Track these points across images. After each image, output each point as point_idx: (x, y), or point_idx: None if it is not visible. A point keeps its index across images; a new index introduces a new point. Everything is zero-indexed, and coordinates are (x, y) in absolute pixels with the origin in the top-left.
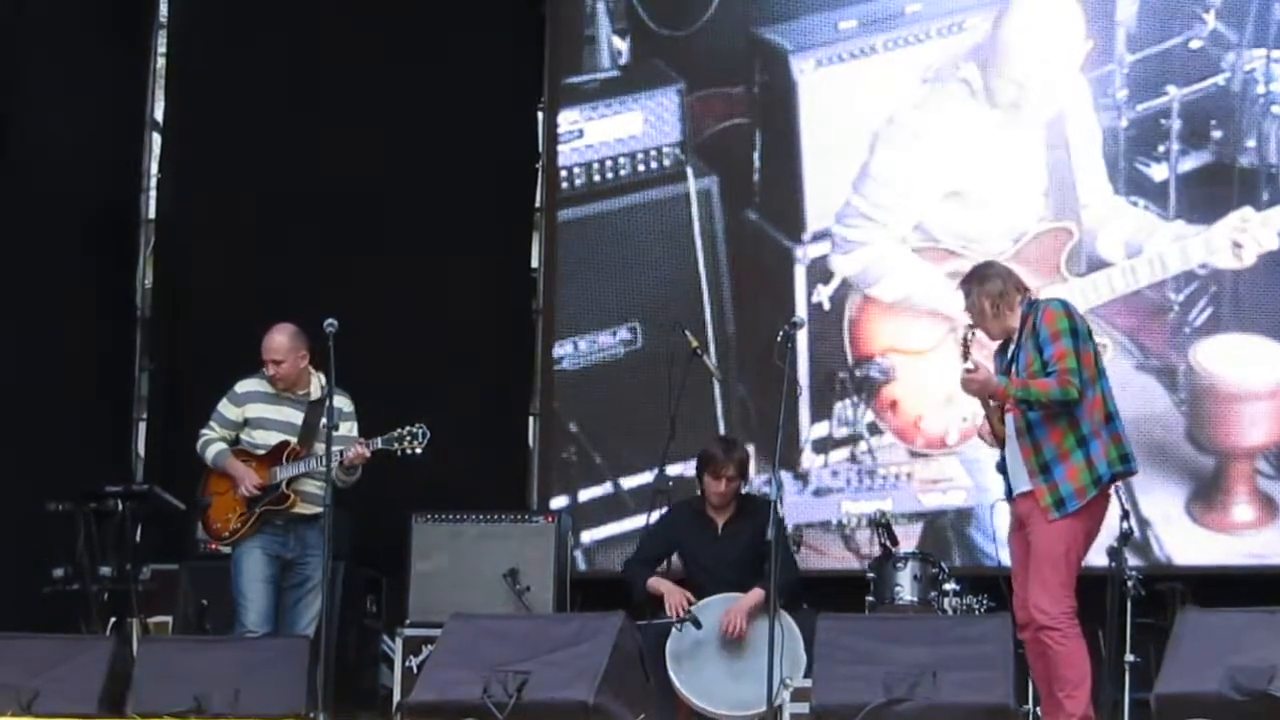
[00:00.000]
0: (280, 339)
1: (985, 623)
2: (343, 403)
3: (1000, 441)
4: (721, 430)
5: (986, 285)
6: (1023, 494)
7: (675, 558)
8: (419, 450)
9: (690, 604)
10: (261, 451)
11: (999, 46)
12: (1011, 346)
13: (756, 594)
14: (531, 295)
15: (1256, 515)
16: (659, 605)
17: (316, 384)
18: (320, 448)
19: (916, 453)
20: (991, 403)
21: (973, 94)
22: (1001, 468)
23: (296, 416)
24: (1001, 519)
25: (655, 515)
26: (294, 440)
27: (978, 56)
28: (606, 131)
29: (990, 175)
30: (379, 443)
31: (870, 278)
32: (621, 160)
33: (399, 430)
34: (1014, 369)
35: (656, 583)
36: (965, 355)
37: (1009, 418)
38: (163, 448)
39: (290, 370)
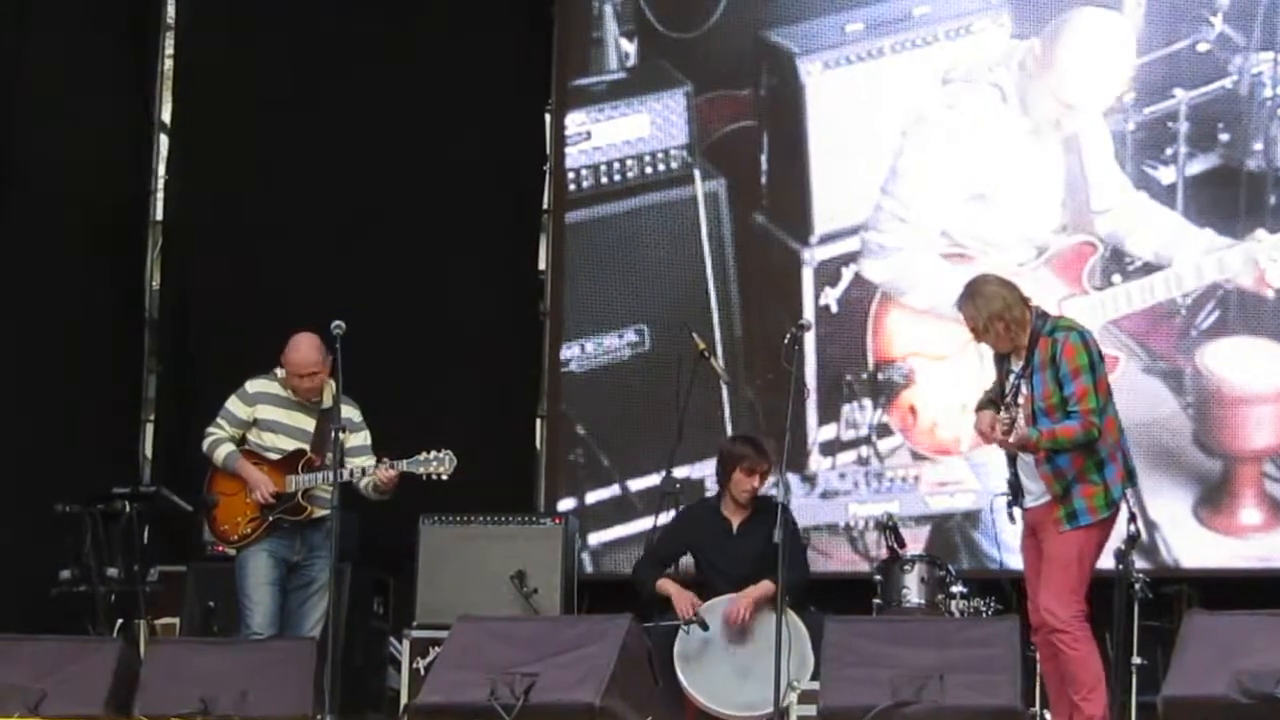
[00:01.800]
0: (310, 353)
1: (992, 625)
2: (352, 413)
3: (1011, 456)
4: (729, 433)
5: (992, 305)
6: (1036, 506)
7: (687, 559)
8: (445, 476)
9: (696, 607)
10: (274, 456)
11: (1054, 64)
12: (1018, 362)
13: (765, 586)
14: (539, 297)
15: (1264, 518)
16: (667, 606)
17: (328, 391)
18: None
19: (924, 455)
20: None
21: (1004, 100)
22: (1012, 482)
23: (308, 423)
24: (1001, 517)
25: (663, 517)
26: (309, 449)
27: (1013, 64)
28: (614, 134)
29: (1013, 181)
30: (403, 465)
31: (903, 285)
32: (629, 162)
33: (425, 454)
34: (1026, 390)
35: (665, 584)
36: (1008, 432)
37: None
38: (170, 449)
39: (318, 384)
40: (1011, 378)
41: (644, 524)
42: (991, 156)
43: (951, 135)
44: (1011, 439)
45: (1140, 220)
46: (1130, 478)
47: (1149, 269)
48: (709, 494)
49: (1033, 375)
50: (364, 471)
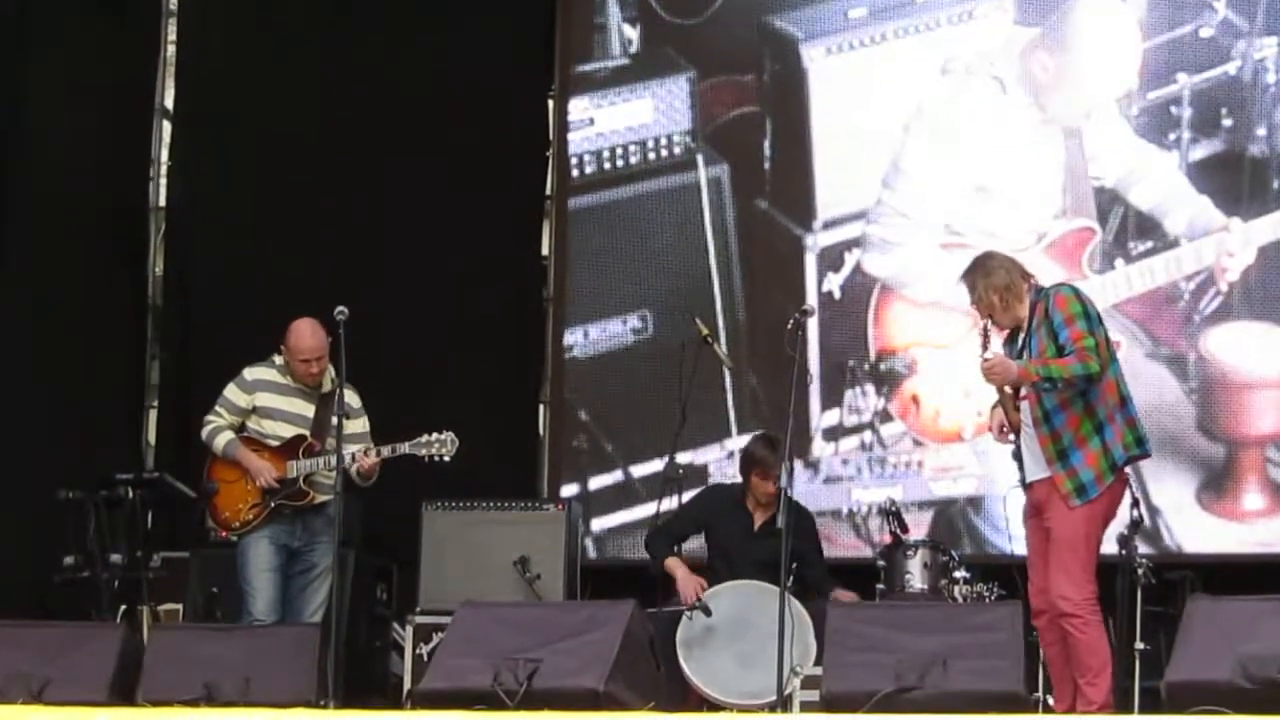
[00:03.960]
0: (313, 338)
1: (995, 610)
2: (352, 398)
3: (1015, 430)
4: (732, 419)
5: (993, 278)
6: (1039, 480)
7: (700, 542)
8: (447, 457)
9: (703, 590)
10: (274, 443)
11: (1060, 59)
12: (1021, 335)
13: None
14: (542, 283)
15: (1267, 503)
16: (670, 586)
17: (328, 377)
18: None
19: (926, 442)
20: (1007, 390)
21: (1004, 91)
22: (1017, 456)
23: (307, 409)
24: (1013, 509)
25: (667, 503)
26: (309, 435)
27: (1015, 53)
28: (617, 119)
29: (1014, 171)
30: (405, 447)
31: (905, 278)
32: (632, 148)
33: (427, 436)
34: (1026, 356)
35: (673, 564)
36: (985, 346)
37: (1024, 406)
38: (174, 436)
39: (321, 369)
40: (1016, 347)
41: (647, 510)
42: (993, 148)
43: (952, 129)
44: (997, 362)
45: (1144, 170)
46: (1140, 444)
47: (1151, 251)
48: (712, 480)
49: (1029, 340)
50: (352, 458)
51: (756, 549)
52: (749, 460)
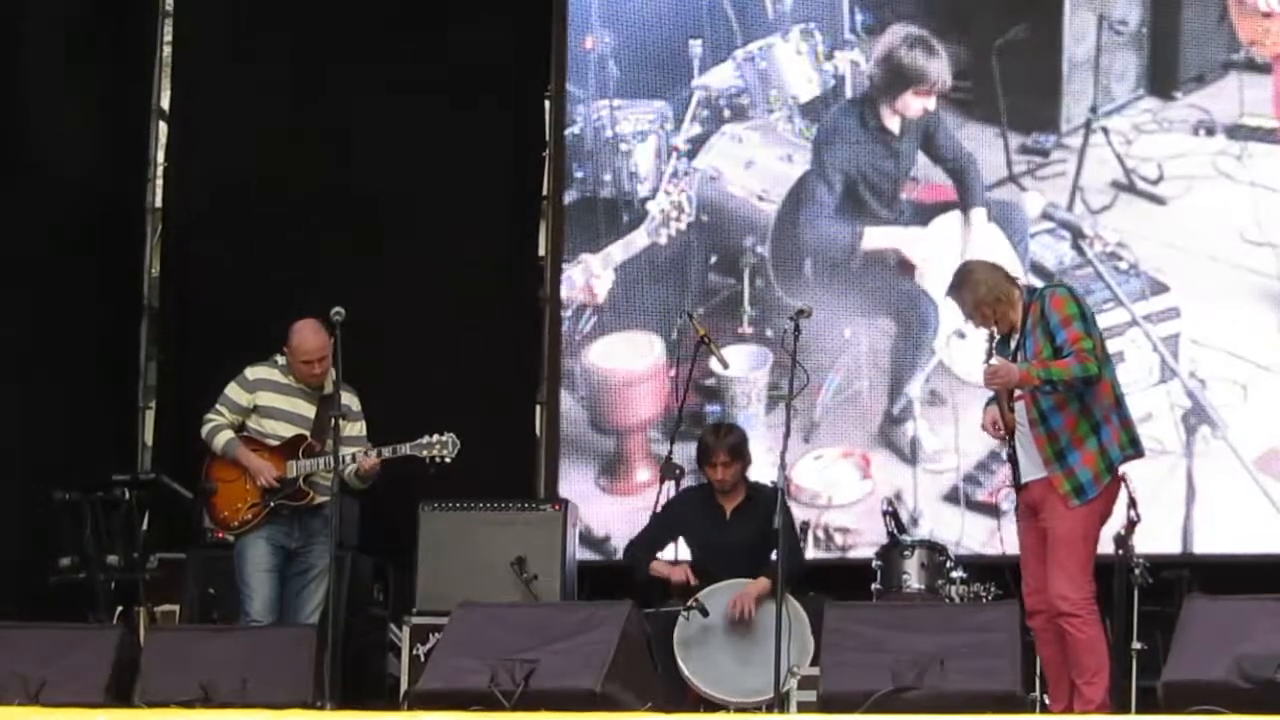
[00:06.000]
0: (316, 339)
1: (992, 610)
2: (350, 400)
3: (1009, 430)
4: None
5: (979, 291)
6: (1035, 481)
7: (684, 545)
8: (448, 458)
9: (689, 575)
10: (273, 442)
11: None
12: (1015, 336)
13: (762, 582)
14: (538, 283)
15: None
16: (668, 588)
17: (328, 378)
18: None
19: None
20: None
21: None
22: (1011, 457)
23: (308, 410)
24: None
25: (664, 499)
26: (309, 435)
27: None
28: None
29: None
30: (406, 448)
31: None
32: None
33: (428, 438)
34: (1021, 357)
35: (657, 566)
36: (989, 355)
37: (1019, 407)
38: (170, 437)
39: (325, 369)
40: (1011, 349)
41: (645, 510)
42: None
43: None
44: (1000, 368)
45: None
46: (1134, 444)
47: None
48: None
49: (1025, 341)
50: (352, 458)
51: (730, 535)
52: (697, 452)
